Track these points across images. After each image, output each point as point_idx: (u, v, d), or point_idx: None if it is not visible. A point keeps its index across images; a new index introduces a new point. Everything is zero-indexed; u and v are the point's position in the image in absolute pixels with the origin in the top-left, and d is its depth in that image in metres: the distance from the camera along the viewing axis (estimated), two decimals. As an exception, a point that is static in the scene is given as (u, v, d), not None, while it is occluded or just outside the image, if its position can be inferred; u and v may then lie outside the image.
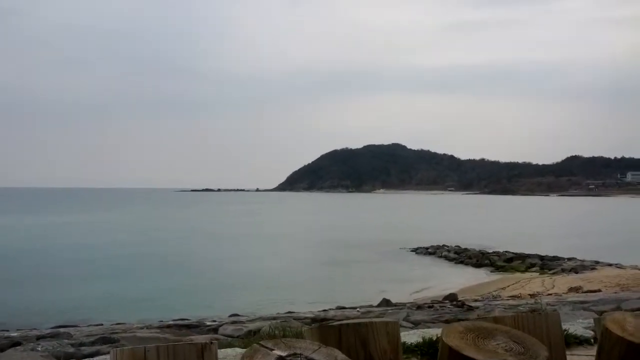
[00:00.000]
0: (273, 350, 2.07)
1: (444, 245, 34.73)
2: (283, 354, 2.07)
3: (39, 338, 9.16)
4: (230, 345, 7.16)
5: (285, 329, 7.67)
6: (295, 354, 2.08)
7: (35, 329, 12.89)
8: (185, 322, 11.94)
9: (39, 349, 7.40)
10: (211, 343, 2.07)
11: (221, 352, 6.35)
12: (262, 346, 2.08)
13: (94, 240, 38.91)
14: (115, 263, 27.91)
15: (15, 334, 10.95)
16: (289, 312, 14.39)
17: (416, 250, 34.41)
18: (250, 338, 7.99)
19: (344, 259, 30.75)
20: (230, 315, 14.67)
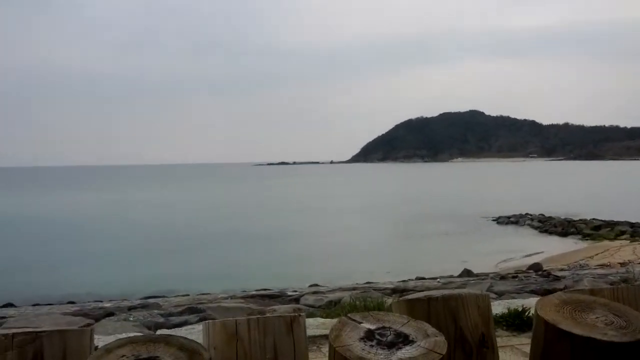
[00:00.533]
0: (361, 323, 2.00)
1: (527, 214, 33.64)
2: (372, 327, 2.00)
3: (130, 309, 9.59)
4: (312, 315, 7.22)
5: (365, 299, 7.64)
6: (384, 327, 2.00)
7: (126, 299, 13.57)
8: (267, 292, 12.18)
9: (131, 319, 7.73)
10: (299, 315, 2.03)
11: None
12: (351, 319, 2.01)
13: (176, 216, 40.41)
14: (198, 237, 28.87)
15: (108, 305, 11.55)
16: (368, 283, 14.38)
17: (498, 220, 33.51)
18: (331, 308, 8.02)
19: (422, 229, 30.40)
20: (310, 286, 14.84)
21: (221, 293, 13.55)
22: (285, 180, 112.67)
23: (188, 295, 13.86)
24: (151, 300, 11.74)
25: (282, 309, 8.26)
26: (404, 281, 14.54)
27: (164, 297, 13.82)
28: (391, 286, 12.06)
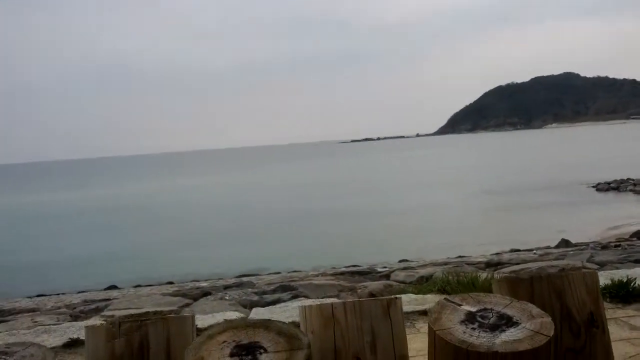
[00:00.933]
0: (461, 305, 1.93)
1: (628, 179, 31.71)
2: (472, 309, 1.92)
3: (226, 287, 9.91)
4: (403, 292, 7.15)
5: (458, 274, 7.47)
6: (485, 309, 1.91)
7: (221, 279, 14.05)
8: (357, 269, 12.22)
9: (227, 297, 7.98)
10: (396, 298, 1.98)
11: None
12: (450, 301, 1.94)
13: (264, 196, 41.29)
14: (287, 216, 29.40)
15: (205, 284, 12.00)
16: (460, 257, 14.09)
17: (597, 187, 31.80)
18: (422, 284, 7.92)
19: (516, 200, 29.38)
20: (400, 261, 14.74)
21: (311, 270, 13.74)
22: (370, 156, 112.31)
23: (279, 273, 14.16)
24: (245, 279, 12.09)
25: (373, 285, 8.24)
26: (497, 254, 14.13)
27: (256, 275, 14.21)
28: (484, 260, 11.75)
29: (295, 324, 5.35)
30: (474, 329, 1.80)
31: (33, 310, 9.76)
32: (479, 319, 1.85)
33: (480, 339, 1.74)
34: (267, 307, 6.85)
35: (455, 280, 7.17)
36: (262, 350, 1.66)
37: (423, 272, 9.41)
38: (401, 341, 1.96)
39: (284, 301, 7.39)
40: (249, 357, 1.63)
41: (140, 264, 19.09)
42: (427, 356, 1.90)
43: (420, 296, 6.22)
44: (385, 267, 11.82)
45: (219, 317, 6.28)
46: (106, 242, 24.89)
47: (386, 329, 1.93)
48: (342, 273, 10.80)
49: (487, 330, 1.79)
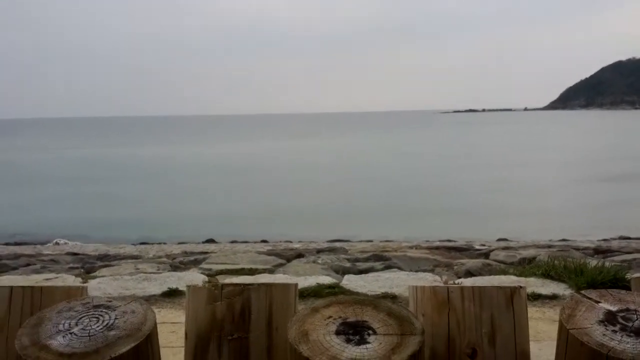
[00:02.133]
0: (599, 302, 1.68)
1: None
2: (612, 308, 1.67)
3: (318, 251, 9.93)
4: (503, 272, 6.82)
5: (565, 259, 7.04)
6: (628, 310, 1.66)
7: (313, 242, 14.16)
8: (453, 244, 11.87)
9: (319, 261, 7.96)
10: (520, 287, 1.77)
11: (495, 279, 6.08)
12: (585, 297, 1.69)
13: (357, 163, 41.13)
14: (380, 184, 29.17)
15: (298, 246, 12.13)
16: (564, 240, 13.34)
17: None
18: (524, 266, 7.53)
19: (628, 185, 27.45)
20: (499, 240, 14.20)
21: (404, 241, 13.53)
22: (472, 128, 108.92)
23: (371, 241, 14.06)
24: (337, 244, 12.09)
25: (470, 263, 7.92)
26: (605, 240, 13.27)
27: (348, 241, 14.19)
28: (592, 245, 11.02)
29: (388, 295, 5.16)
30: (615, 331, 1.56)
31: (136, 257, 10.26)
32: (621, 321, 1.60)
33: (623, 344, 1.50)
34: (359, 275, 6.76)
35: (562, 265, 6.74)
36: (370, 331, 1.51)
37: (525, 253, 8.93)
38: (523, 335, 1.75)
39: (377, 270, 7.26)
40: (357, 337, 1.49)
41: (237, 221, 19.67)
42: (555, 355, 1.68)
43: (522, 279, 5.90)
44: (483, 245, 11.39)
45: (312, 280, 6.27)
46: (206, 197, 25.89)
47: (508, 320, 1.73)
48: (438, 247, 10.51)
49: (632, 335, 1.54)
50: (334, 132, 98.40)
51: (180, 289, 6.04)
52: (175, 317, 5.26)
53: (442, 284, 1.84)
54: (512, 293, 1.76)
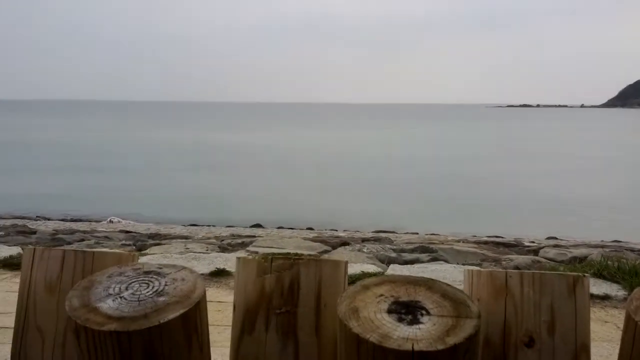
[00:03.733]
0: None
1: None
2: (684, 303, 1.56)
3: (364, 240, 9.88)
4: (554, 270, 6.63)
5: (619, 260, 6.79)
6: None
7: (359, 231, 14.12)
8: (501, 239, 11.62)
9: (365, 250, 7.91)
10: (583, 276, 1.68)
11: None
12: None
13: (407, 154, 40.75)
14: (428, 176, 28.81)
15: (343, 234, 12.11)
16: (617, 241, 12.90)
17: None
18: (575, 265, 7.29)
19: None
20: (548, 238, 13.85)
21: (450, 235, 13.33)
22: (526, 123, 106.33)
23: (417, 233, 13.92)
24: (383, 235, 12.01)
25: (519, 259, 7.73)
26: (662, 243, 12.73)
27: (394, 232, 14.09)
28: (648, 248, 10.58)
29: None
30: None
31: (186, 237, 10.45)
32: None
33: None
34: (405, 266, 6.69)
35: (615, 266, 6.50)
36: (424, 312, 1.45)
37: (576, 252, 8.65)
38: (584, 327, 1.66)
39: (422, 262, 7.17)
40: (409, 316, 1.44)
41: (284, 207, 19.81)
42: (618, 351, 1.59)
43: (574, 277, 5.71)
44: (532, 242, 11.10)
45: (357, 267, 6.23)
46: (254, 182, 26.14)
47: (569, 310, 1.64)
48: (485, 242, 10.30)
49: None
50: (383, 123, 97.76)
51: (227, 269, 6.11)
52: (222, 296, 5.32)
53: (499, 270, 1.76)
54: (574, 281, 1.67)
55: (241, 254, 7.20)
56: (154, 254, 7.21)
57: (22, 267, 1.89)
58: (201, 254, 7.13)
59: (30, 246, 2.00)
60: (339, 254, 7.58)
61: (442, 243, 10.23)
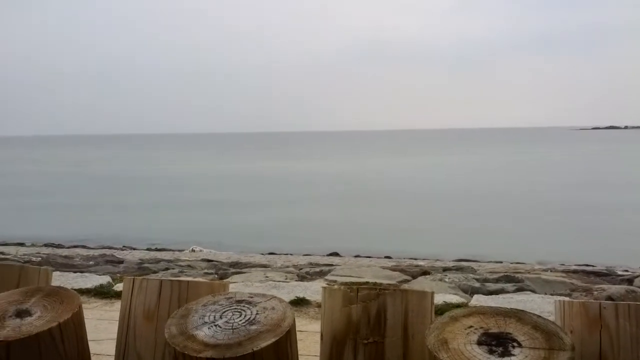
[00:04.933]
0: None
1: None
2: None
3: (445, 270, 9.68)
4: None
5: None
6: None
7: (439, 260, 13.83)
8: (592, 268, 11.06)
9: (446, 280, 7.75)
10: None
11: None
12: None
13: (491, 181, 39.70)
14: (513, 202, 27.91)
15: (422, 263, 11.91)
16: None
17: None
18: (675, 296, 6.83)
19: None
20: (643, 267, 13.03)
21: (537, 264, 12.82)
22: (615, 146, 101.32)
23: (501, 262, 13.47)
24: (464, 264, 11.72)
25: (612, 289, 7.32)
26: None
27: (476, 261, 13.70)
28: None
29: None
30: None
31: (265, 266, 10.62)
32: None
33: None
34: (489, 296, 6.50)
35: None
36: (515, 344, 1.43)
37: (676, 282, 8.12)
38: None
39: (508, 292, 6.94)
40: (500, 348, 1.42)
41: (360, 235, 19.75)
42: None
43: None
44: (626, 271, 10.50)
45: (439, 298, 6.11)
46: (330, 211, 26.28)
47: (671, 344, 1.56)
48: (575, 271, 9.84)
49: None
50: (463, 148, 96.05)
51: (307, 298, 6.15)
52: (303, 325, 5.35)
53: (592, 300, 1.70)
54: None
55: (320, 282, 7.24)
56: (235, 282, 7.37)
57: (122, 295, 2.01)
58: (281, 282, 7.22)
59: (129, 277, 2.13)
60: (420, 284, 7.46)
61: (529, 272, 9.87)
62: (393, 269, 9.30)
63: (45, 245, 17.57)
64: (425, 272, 8.85)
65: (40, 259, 10.97)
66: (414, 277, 8.14)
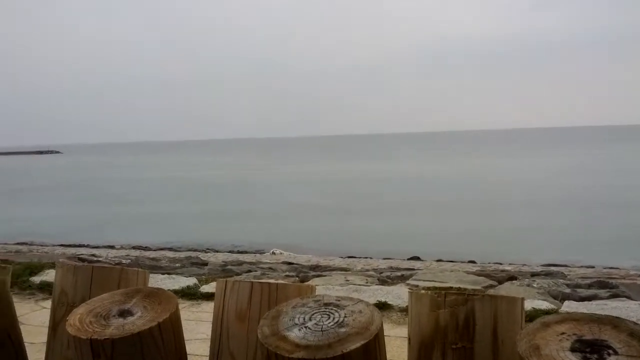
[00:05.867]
0: None
1: None
2: None
3: (533, 275, 9.36)
4: None
5: None
6: None
7: (526, 264, 13.39)
8: (693, 275, 10.35)
9: (535, 285, 7.50)
10: None
11: None
12: None
13: (567, 181, 37.96)
14: (611, 204, 26.53)
15: (509, 268, 11.58)
16: None
17: None
18: None
19: None
20: None
21: (632, 269, 12.17)
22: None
23: (593, 267, 12.89)
24: (554, 269, 11.30)
25: None
26: None
27: (566, 266, 13.18)
28: None
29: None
30: None
31: (344, 269, 10.67)
32: None
33: None
34: (581, 302, 6.23)
35: None
36: (610, 351, 1.39)
37: None
38: None
39: (602, 299, 6.63)
40: (595, 355, 1.38)
41: (442, 239, 19.45)
42: None
43: None
44: None
45: (528, 304, 5.93)
46: (410, 214, 26.03)
47: None
48: (674, 277, 9.26)
49: None
50: (558, 149, 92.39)
51: (389, 302, 6.14)
52: (385, 329, 5.34)
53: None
54: None
55: (401, 287, 7.20)
56: (316, 285, 7.46)
57: (215, 297, 2.10)
58: (361, 286, 7.24)
59: (222, 279, 2.23)
60: (507, 289, 7.27)
61: (624, 278, 9.39)
62: (478, 273, 9.09)
63: (134, 247, 18.47)
64: (512, 277, 8.60)
65: (129, 261, 11.55)
66: (500, 282, 7.93)
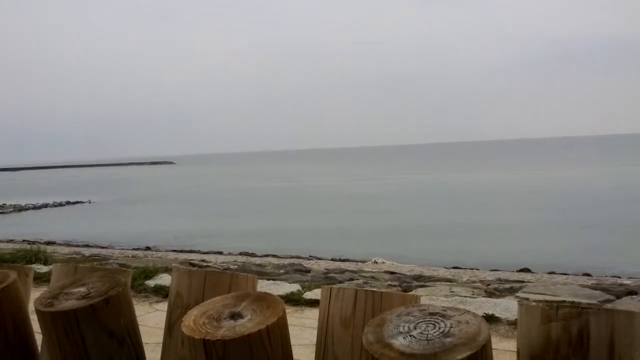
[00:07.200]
0: None
1: None
2: None
3: (655, 289, 8.69)
4: None
5: None
6: None
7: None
8: None
9: (657, 301, 6.97)
10: None
11: None
12: None
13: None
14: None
15: (628, 282, 10.83)
16: None
17: None
18: None
19: None
20: None
21: None
22: None
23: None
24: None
25: None
26: None
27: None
28: None
29: None
30: None
31: (449, 280, 10.44)
32: None
33: None
34: None
35: None
36: None
37: None
38: None
39: None
40: None
41: (555, 250, 18.53)
42: None
43: None
44: None
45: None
46: (521, 224, 25.02)
47: None
48: None
49: None
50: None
51: (497, 315, 5.94)
52: (493, 343, 5.17)
53: None
54: None
55: (510, 300, 6.93)
56: (420, 295, 7.35)
57: (320, 303, 2.15)
58: (467, 298, 7.05)
59: (326, 286, 2.27)
60: (625, 304, 6.82)
61: None
62: (593, 287, 8.59)
63: (240, 253, 19.15)
64: (631, 292, 8.05)
65: (237, 266, 11.98)
66: (618, 297, 7.45)
